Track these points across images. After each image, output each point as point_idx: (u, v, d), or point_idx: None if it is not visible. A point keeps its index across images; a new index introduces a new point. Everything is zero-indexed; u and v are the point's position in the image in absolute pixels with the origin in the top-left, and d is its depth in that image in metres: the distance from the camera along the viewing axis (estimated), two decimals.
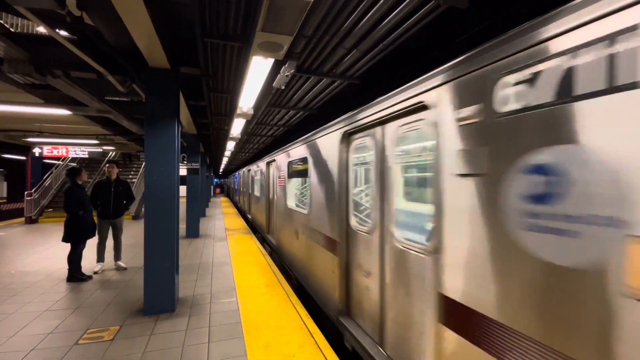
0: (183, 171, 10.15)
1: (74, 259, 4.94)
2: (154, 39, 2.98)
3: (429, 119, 2.09)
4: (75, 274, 4.94)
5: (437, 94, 1.97)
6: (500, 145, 1.52)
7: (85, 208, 4.98)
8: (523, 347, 1.39)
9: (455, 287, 1.79)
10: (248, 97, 4.26)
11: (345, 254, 3.38)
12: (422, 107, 2.15)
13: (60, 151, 11.18)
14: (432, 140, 2.01)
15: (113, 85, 4.03)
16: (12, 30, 3.94)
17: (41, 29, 3.85)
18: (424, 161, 2.62)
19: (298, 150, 5.25)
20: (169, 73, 3.77)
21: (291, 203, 5.89)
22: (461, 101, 1.77)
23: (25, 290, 4.53)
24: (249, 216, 12.75)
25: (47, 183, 12.75)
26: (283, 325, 3.49)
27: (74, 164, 12.86)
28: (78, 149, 11.24)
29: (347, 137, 3.42)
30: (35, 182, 12.56)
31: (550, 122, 1.30)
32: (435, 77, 2.00)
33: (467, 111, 1.72)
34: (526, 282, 1.39)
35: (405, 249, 2.40)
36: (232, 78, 4.13)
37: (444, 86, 1.91)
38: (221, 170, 30.79)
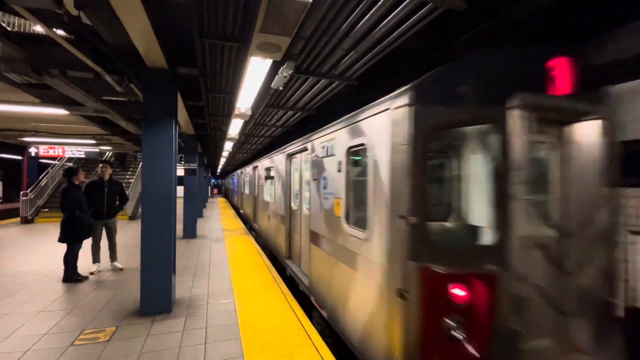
0: (180, 171, 10.11)
1: (70, 259, 4.91)
2: (151, 39, 2.98)
3: (307, 155, 4.41)
4: (71, 275, 4.91)
5: (309, 145, 4.26)
6: (319, 169, 3.83)
7: (82, 208, 4.96)
8: (327, 241, 3.54)
9: (313, 225, 4.04)
10: (246, 97, 4.26)
11: (288, 223, 5.69)
12: (305, 149, 4.55)
13: (57, 151, 11.11)
14: (308, 164, 4.41)
15: (110, 85, 4.01)
16: (8, 29, 3.91)
17: (38, 28, 3.82)
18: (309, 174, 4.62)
19: (268, 161, 7.70)
20: (167, 73, 3.76)
21: (267, 197, 7.99)
22: (311, 149, 4.15)
23: (20, 290, 4.50)
24: (242, 211, 15.04)
25: (43, 183, 12.68)
26: (280, 326, 3.48)
27: (70, 164, 12.78)
28: (75, 149, 11.18)
29: (289, 157, 5.62)
30: (31, 182, 12.48)
31: (323, 164, 3.71)
32: (309, 139, 4.23)
33: (313, 154, 4.10)
34: (328, 218, 3.54)
35: (306, 213, 4.60)
36: (231, 78, 4.13)
37: (309, 142, 4.25)
38: (219, 170, 30.70)
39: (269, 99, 5.23)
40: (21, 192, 11.58)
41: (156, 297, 3.76)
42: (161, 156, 3.77)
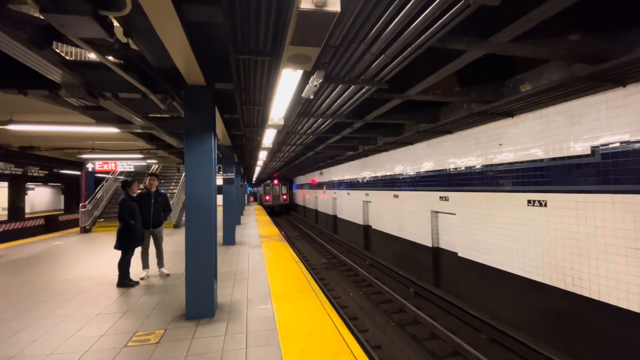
0: (219, 181, 10.61)
1: (124, 265, 5.32)
2: (191, 59, 3.18)
3: None
4: (124, 280, 5.31)
5: None
6: None
7: (136, 218, 5.37)
8: None
9: None
10: (279, 108, 4.38)
11: None
12: None
13: (110, 166, 12.13)
14: None
15: (155, 104, 4.33)
16: (67, 58, 4.38)
17: (92, 55, 4.23)
18: None
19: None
20: (205, 89, 3.98)
21: None
22: None
23: (80, 294, 4.94)
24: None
25: (98, 195, 13.88)
26: (318, 332, 3.49)
27: (125, 178, 13.87)
28: (125, 163, 12.14)
29: None
30: (89, 194, 13.72)
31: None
32: None
33: None
34: None
35: None
36: (263, 91, 4.28)
37: None
38: (254, 178, 31.60)
39: (300, 108, 5.33)
40: (80, 205, 12.76)
41: (200, 302, 3.95)
42: (202, 167, 3.99)
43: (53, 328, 3.74)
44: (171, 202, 9.88)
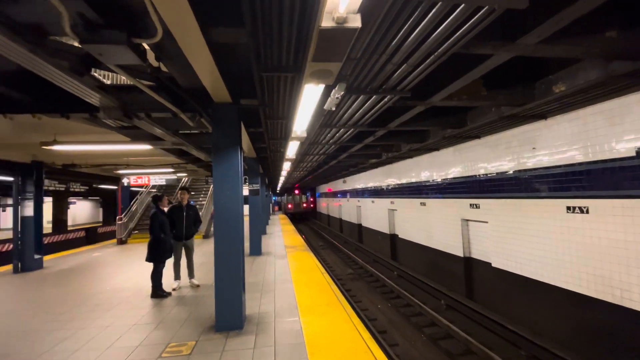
0: (245, 192, 10.87)
1: (156, 277, 5.53)
2: (217, 78, 3.31)
3: None
4: (157, 291, 5.51)
5: None
6: None
7: (166, 231, 5.59)
8: None
9: None
10: (301, 121, 4.44)
11: None
12: None
13: (143, 180, 12.80)
14: None
15: (184, 121, 4.53)
16: (105, 81, 4.69)
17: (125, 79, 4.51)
18: None
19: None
20: (231, 106, 4.12)
21: None
22: None
23: (118, 305, 5.17)
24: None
25: (133, 208, 14.61)
26: (346, 347, 3.43)
27: (156, 192, 14.54)
28: (157, 177, 12.76)
29: None
30: (124, 207, 14.49)
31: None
32: None
33: None
34: None
35: None
36: (287, 105, 4.36)
37: None
38: (278, 188, 32.17)
39: (322, 119, 5.37)
40: (117, 217, 13.49)
41: (229, 314, 4.01)
42: (229, 182, 4.10)
43: (93, 338, 3.93)
44: (200, 214, 10.29)
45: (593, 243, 4.86)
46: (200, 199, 16.13)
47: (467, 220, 8.46)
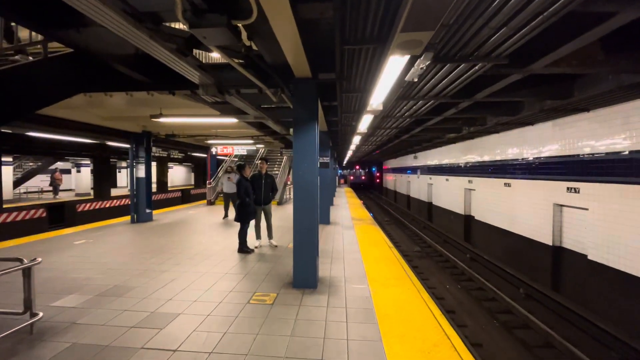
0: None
1: (242, 235, 6.28)
2: (301, 54, 3.44)
3: None
4: (243, 247, 6.28)
5: None
6: None
7: (250, 196, 6.24)
8: None
9: None
10: (379, 93, 4.36)
11: None
12: None
13: (228, 150, 14.19)
14: None
15: (267, 96, 4.84)
16: (203, 62, 5.23)
17: (215, 55, 4.93)
18: None
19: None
20: (310, 81, 4.25)
21: None
22: None
23: (212, 256, 6.06)
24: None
25: (219, 174, 16.41)
26: (415, 320, 3.51)
27: (239, 161, 16.01)
28: (240, 148, 14.01)
29: None
30: (212, 173, 16.36)
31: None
32: None
33: None
34: None
35: None
36: (364, 78, 4.32)
37: None
38: (345, 162, 32.39)
39: (400, 91, 5.18)
40: (207, 182, 15.35)
41: (305, 273, 4.40)
42: (307, 153, 4.33)
43: (195, 281, 4.73)
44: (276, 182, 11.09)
45: None
46: (275, 169, 17.24)
47: (561, 205, 7.47)
